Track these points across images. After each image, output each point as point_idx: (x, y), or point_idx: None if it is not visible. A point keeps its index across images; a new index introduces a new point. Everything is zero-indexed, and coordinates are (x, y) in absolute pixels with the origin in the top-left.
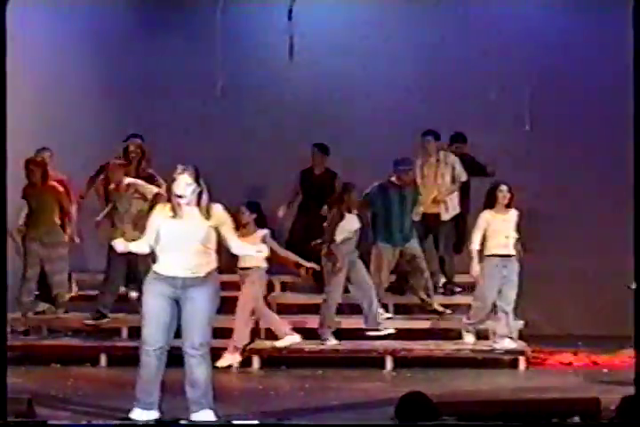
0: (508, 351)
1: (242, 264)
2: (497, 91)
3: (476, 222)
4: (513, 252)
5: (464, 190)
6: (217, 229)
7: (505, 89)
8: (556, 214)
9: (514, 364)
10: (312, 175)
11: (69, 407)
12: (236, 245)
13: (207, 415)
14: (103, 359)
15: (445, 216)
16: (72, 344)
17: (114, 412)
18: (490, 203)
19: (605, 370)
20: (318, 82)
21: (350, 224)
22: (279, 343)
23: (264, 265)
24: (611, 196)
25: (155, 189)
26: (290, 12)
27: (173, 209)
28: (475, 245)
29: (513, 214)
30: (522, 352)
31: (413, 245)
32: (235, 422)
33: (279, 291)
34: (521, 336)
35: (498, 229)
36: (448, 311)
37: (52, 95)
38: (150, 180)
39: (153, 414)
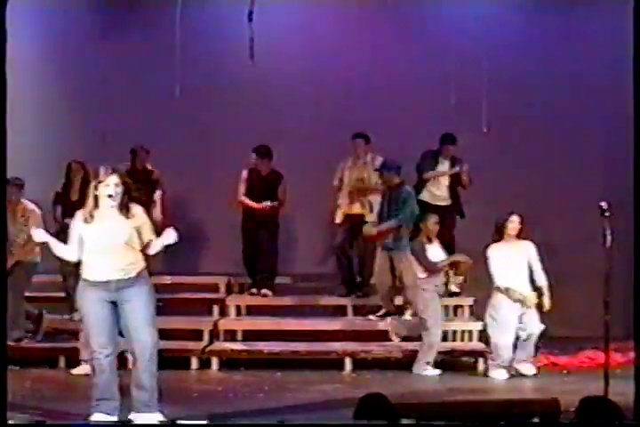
0: (467, 352)
1: None
2: (454, 93)
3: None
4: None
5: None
6: (137, 230)
7: (461, 90)
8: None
9: (473, 365)
10: (259, 175)
11: (28, 410)
12: (153, 245)
13: (157, 417)
14: (62, 361)
15: (369, 218)
16: (30, 346)
17: (72, 415)
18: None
19: (565, 371)
20: (277, 83)
21: (435, 256)
22: (75, 371)
23: None
24: (571, 195)
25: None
26: (250, 13)
27: (90, 213)
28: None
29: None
30: (481, 353)
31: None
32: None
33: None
34: (480, 338)
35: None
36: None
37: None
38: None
39: (114, 419)
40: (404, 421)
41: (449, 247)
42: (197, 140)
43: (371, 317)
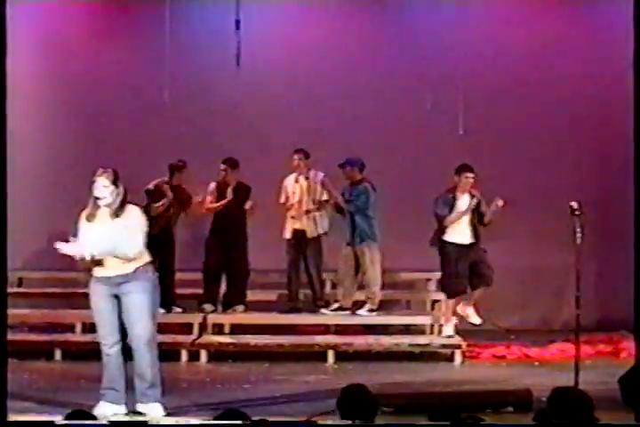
0: (444, 346)
1: None
2: (431, 97)
3: None
4: None
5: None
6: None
7: (438, 93)
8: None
9: (450, 357)
10: (227, 187)
11: (25, 401)
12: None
13: (155, 408)
14: (58, 354)
15: (312, 234)
16: (27, 339)
17: (69, 405)
18: None
19: (537, 363)
20: (264, 87)
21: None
22: None
23: None
24: (542, 196)
25: None
26: (237, 22)
27: (89, 213)
28: None
29: None
30: (458, 346)
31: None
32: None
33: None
34: (457, 331)
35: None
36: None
37: None
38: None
39: (120, 409)
40: (384, 410)
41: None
42: (186, 144)
43: (323, 311)
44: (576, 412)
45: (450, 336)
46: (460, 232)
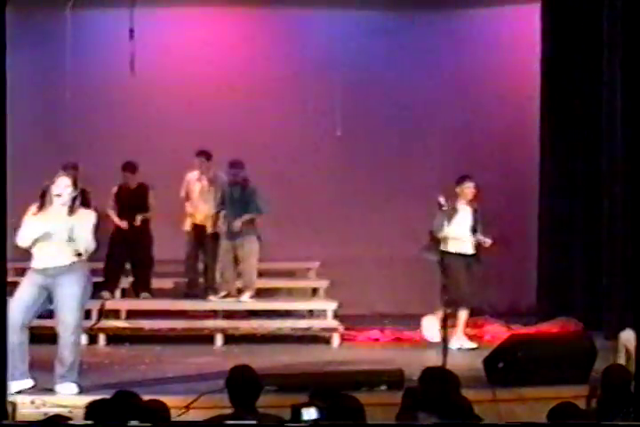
0: (323, 329)
1: None
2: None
3: None
4: None
5: None
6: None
7: (317, 94)
8: (367, 210)
9: (328, 340)
10: (128, 189)
11: None
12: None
13: (70, 387)
14: None
15: (211, 229)
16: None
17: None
18: None
19: (408, 345)
20: (158, 92)
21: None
22: None
23: None
24: (418, 192)
25: None
26: (131, 31)
27: (39, 208)
28: None
29: None
30: (335, 330)
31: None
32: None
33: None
34: (336, 315)
35: None
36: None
37: None
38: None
39: (27, 383)
40: (268, 388)
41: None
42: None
43: (211, 297)
44: (444, 390)
45: (472, 349)
46: (461, 243)
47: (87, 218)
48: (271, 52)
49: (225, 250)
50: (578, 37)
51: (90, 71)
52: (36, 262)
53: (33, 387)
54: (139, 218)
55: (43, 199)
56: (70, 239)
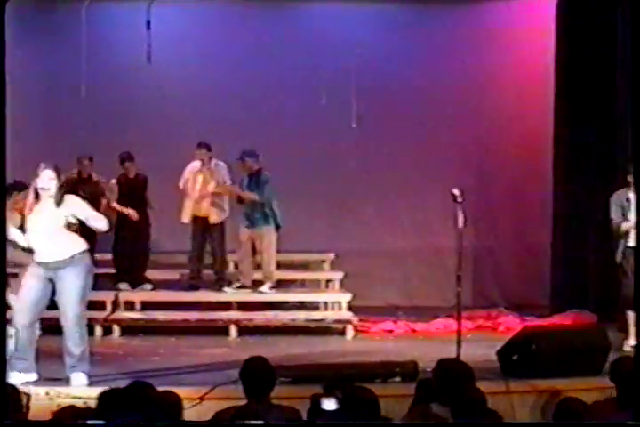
0: (337, 321)
1: None
2: (324, 91)
3: None
4: None
5: None
6: (72, 216)
7: (330, 88)
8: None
9: (342, 332)
10: (127, 179)
11: None
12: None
13: (79, 377)
14: None
15: (215, 220)
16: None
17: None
18: None
19: (422, 337)
20: (173, 84)
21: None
22: None
23: None
24: (433, 185)
25: None
26: (148, 23)
27: (30, 205)
28: None
29: None
30: (349, 321)
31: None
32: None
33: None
34: (350, 308)
35: None
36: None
37: None
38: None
39: (32, 377)
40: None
41: None
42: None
43: (226, 289)
44: (458, 381)
45: None
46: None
47: (76, 201)
48: (287, 45)
49: (244, 240)
50: (593, 33)
51: (106, 62)
52: (38, 256)
53: (36, 381)
54: (148, 209)
55: (35, 194)
56: (69, 225)
